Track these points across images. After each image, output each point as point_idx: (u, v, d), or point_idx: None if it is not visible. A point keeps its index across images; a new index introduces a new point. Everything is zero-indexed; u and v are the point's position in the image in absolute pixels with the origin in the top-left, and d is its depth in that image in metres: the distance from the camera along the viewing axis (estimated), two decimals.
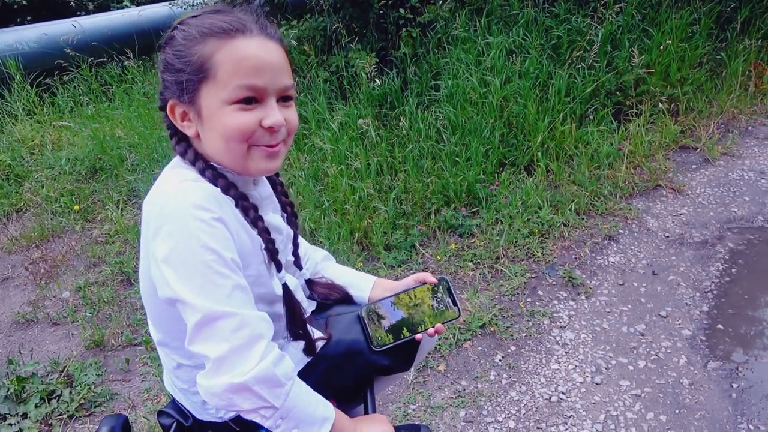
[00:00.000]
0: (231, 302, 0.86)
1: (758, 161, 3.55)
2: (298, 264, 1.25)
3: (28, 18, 7.16)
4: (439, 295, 1.23)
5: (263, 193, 1.10)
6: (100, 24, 5.71)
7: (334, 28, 4.00)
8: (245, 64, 0.90)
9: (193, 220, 0.85)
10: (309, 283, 1.32)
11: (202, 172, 0.96)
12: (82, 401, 2.19)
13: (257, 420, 0.89)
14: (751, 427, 1.90)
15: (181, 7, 5.20)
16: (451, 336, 2.33)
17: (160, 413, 1.22)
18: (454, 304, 1.23)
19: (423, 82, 3.89)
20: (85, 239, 3.32)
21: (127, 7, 6.70)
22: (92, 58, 5.06)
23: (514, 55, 3.85)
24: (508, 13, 4.32)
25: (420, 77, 3.94)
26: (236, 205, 0.97)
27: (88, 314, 2.68)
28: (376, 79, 3.71)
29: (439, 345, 2.29)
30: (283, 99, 0.96)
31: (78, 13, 6.51)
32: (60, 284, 2.95)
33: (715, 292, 2.54)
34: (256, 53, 0.91)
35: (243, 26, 0.91)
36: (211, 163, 0.98)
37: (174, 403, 1.21)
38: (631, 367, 2.17)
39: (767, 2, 4.62)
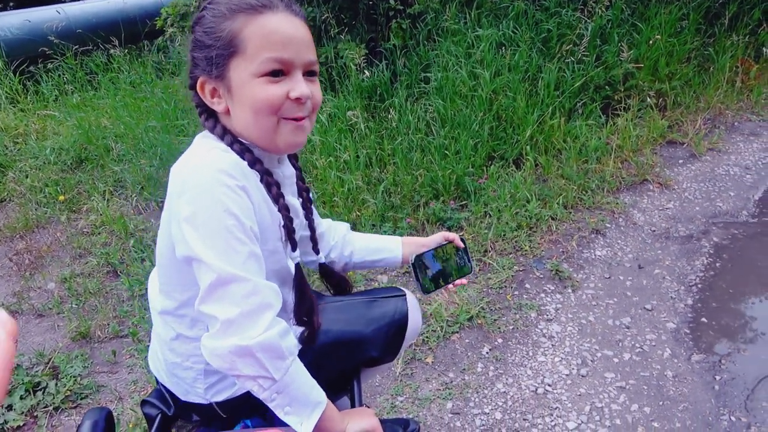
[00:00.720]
0: (246, 268, 0.88)
1: (743, 156, 3.59)
2: (315, 249, 1.27)
3: (11, 3, 7.03)
4: (460, 252, 1.41)
5: (286, 173, 1.12)
6: (86, 11, 5.61)
7: (323, 18, 3.97)
8: (273, 38, 0.94)
9: (218, 186, 0.88)
10: (323, 268, 1.33)
11: (230, 146, 0.99)
12: (68, 393, 2.17)
13: (254, 389, 0.90)
14: (733, 418, 1.93)
15: None
16: (438, 328, 2.34)
17: (144, 403, 1.21)
18: (469, 261, 1.43)
19: (413, 75, 3.87)
20: (71, 230, 3.28)
21: None
22: (77, 46, 4.97)
23: (503, 48, 3.85)
24: (498, 5, 4.31)
25: (410, 69, 3.92)
26: (261, 180, 1.00)
27: (73, 306, 2.66)
28: (366, 71, 3.69)
29: (426, 337, 2.30)
30: (309, 74, 0.99)
31: None
32: (45, 275, 2.92)
33: (699, 285, 2.57)
34: (284, 28, 0.94)
35: (270, 3, 0.95)
36: (239, 138, 1.00)
37: (157, 391, 1.21)
38: (616, 360, 2.19)
39: None
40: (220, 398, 1.11)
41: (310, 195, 1.25)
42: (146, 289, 1.22)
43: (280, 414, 0.93)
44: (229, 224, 0.87)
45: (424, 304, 2.44)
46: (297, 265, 1.12)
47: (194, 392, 1.12)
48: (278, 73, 0.94)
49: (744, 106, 4.14)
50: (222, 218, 0.87)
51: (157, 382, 1.20)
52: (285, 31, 0.94)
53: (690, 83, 4.11)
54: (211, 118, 1.03)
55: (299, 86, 0.95)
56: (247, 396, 1.12)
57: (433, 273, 1.34)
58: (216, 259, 0.86)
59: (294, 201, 1.15)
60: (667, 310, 2.43)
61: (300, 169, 1.22)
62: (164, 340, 1.11)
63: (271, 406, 0.92)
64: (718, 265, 2.70)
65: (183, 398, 1.14)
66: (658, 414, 1.96)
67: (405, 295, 1.37)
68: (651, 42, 3.91)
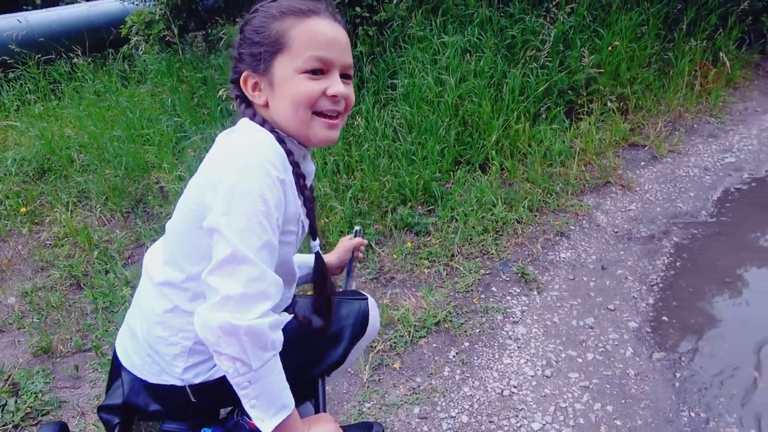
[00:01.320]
0: (259, 255, 0.93)
1: (702, 158, 3.69)
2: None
3: None
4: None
5: (309, 170, 1.19)
6: (48, 19, 5.50)
7: None
8: (318, 39, 1.04)
9: (262, 172, 0.95)
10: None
11: (271, 132, 1.06)
12: (29, 410, 2.11)
13: (230, 371, 0.93)
14: (692, 414, 1.98)
15: (134, 3, 5.06)
16: (406, 333, 2.35)
17: (101, 408, 1.20)
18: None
19: (380, 81, 3.89)
20: (33, 242, 3.21)
21: (77, 2, 6.48)
22: (39, 55, 4.87)
23: (469, 54, 3.90)
24: (463, 12, 4.37)
25: (377, 76, 3.94)
26: (293, 171, 1.07)
27: (35, 320, 2.59)
28: None
29: (394, 343, 2.31)
30: (345, 76, 1.09)
31: (24, 7, 6.26)
32: (5, 290, 2.84)
33: (660, 285, 2.63)
34: (327, 30, 1.05)
35: (317, 9, 1.06)
36: (276, 129, 1.08)
37: (113, 392, 1.19)
38: (580, 360, 2.23)
39: (712, 4, 4.81)
40: (196, 380, 1.12)
41: (314, 194, 1.32)
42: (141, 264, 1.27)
43: (246, 405, 0.95)
44: (260, 209, 0.93)
45: (391, 309, 2.46)
46: (317, 254, 1.20)
47: (170, 372, 1.11)
48: (318, 71, 1.04)
49: (703, 109, 4.26)
50: (255, 202, 0.93)
51: (120, 370, 1.19)
52: (328, 33, 1.05)
53: (651, 87, 4.22)
54: (249, 108, 1.11)
55: (336, 84, 1.05)
56: (220, 382, 1.12)
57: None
58: (235, 237, 0.91)
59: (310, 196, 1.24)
60: (629, 309, 2.48)
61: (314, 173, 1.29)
62: (156, 312, 1.11)
63: (240, 394, 0.95)
64: (678, 264, 2.77)
65: (152, 380, 1.13)
66: (621, 412, 2.00)
67: (368, 298, 1.45)
68: (611, 48, 4.00)
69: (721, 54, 4.51)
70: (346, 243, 1.56)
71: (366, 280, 2.68)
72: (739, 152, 3.71)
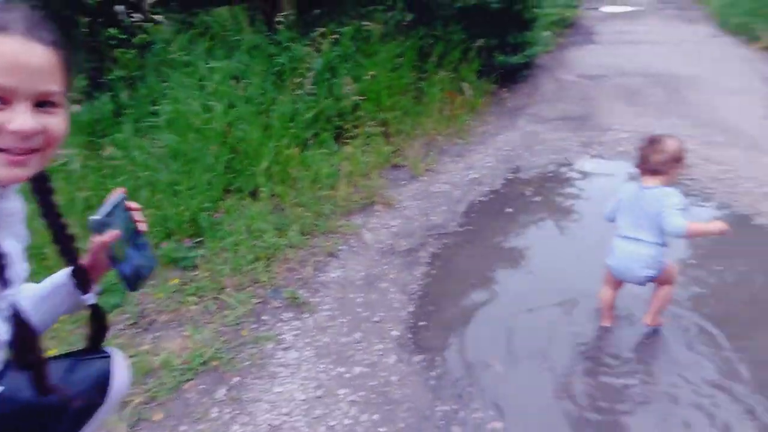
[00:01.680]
0: None
1: (452, 175, 4.20)
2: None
3: None
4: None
5: (8, 210, 1.04)
6: None
7: None
8: None
9: None
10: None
11: None
12: None
13: None
14: (446, 408, 2.19)
15: None
16: (170, 379, 2.20)
17: None
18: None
19: (140, 108, 3.65)
20: None
21: None
22: None
23: (237, 80, 3.89)
24: (231, 37, 4.35)
25: (137, 102, 3.69)
26: None
27: None
28: (78, 104, 3.35)
29: (155, 393, 2.14)
30: (44, 104, 0.93)
31: None
32: None
33: (419, 293, 2.89)
34: (11, 52, 0.89)
35: (6, 27, 0.90)
36: None
37: None
38: (348, 375, 2.33)
39: (456, 40, 5.54)
40: None
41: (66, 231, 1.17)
42: None
43: None
44: None
45: (152, 355, 2.28)
46: (14, 305, 1.03)
47: None
48: None
49: (452, 132, 4.85)
50: None
51: None
52: (11, 56, 0.89)
53: (408, 113, 4.67)
54: None
55: (19, 118, 0.90)
56: None
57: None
58: None
59: (12, 245, 1.04)
60: (392, 319, 2.68)
61: (55, 204, 1.14)
62: None
63: None
64: (433, 272, 3.08)
65: None
66: (386, 419, 2.13)
67: (110, 356, 1.30)
68: (371, 76, 4.34)
69: (463, 84, 5.21)
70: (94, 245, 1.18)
71: (124, 326, 2.46)
72: (480, 169, 4.30)
